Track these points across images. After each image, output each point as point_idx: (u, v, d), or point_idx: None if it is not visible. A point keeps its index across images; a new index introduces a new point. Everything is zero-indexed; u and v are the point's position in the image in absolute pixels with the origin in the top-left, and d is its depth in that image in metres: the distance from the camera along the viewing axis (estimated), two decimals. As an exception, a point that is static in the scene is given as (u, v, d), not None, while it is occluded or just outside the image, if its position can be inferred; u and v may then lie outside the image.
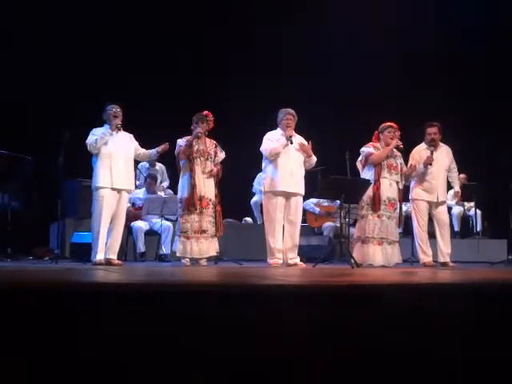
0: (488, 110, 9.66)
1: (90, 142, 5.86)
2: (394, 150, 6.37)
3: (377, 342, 2.35)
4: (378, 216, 6.17)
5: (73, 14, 8.97)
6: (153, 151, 6.16)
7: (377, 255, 6.13)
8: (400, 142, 6.32)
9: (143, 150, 6.15)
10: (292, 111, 6.17)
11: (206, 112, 6.11)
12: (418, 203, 6.42)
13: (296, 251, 6.14)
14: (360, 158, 6.39)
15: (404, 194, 6.52)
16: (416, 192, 6.44)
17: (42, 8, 8.82)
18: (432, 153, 6.35)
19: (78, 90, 8.61)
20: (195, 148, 6.07)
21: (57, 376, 2.10)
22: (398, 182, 6.33)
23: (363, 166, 6.36)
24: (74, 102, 8.51)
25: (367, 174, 6.31)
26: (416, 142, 6.65)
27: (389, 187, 6.24)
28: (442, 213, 6.46)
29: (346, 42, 9.41)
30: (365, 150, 6.34)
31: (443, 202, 6.49)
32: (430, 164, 6.32)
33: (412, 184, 6.51)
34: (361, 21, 9.51)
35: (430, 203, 6.41)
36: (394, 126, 6.39)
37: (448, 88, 9.49)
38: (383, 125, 6.39)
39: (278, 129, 6.20)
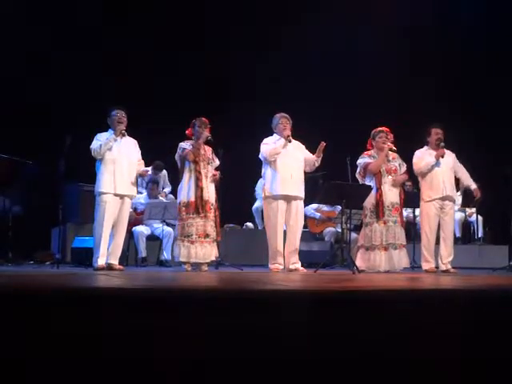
0: (489, 113, 9.65)
1: (94, 147, 5.85)
2: (390, 152, 6.36)
3: (378, 347, 2.36)
4: (384, 222, 6.15)
5: (72, 15, 8.99)
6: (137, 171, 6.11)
7: (382, 261, 6.10)
8: (391, 145, 6.29)
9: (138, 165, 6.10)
10: (286, 115, 6.19)
11: (204, 118, 6.11)
12: (428, 206, 6.37)
13: (297, 256, 6.13)
14: (358, 170, 6.34)
15: (404, 200, 6.49)
16: (425, 194, 6.40)
17: (41, 9, 8.83)
18: (443, 147, 6.34)
19: (79, 92, 8.62)
20: (199, 151, 6.07)
21: (57, 378, 2.11)
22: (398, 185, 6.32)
23: (363, 177, 6.34)
24: (74, 106, 8.52)
25: (369, 183, 6.29)
26: (416, 142, 6.63)
27: (389, 192, 6.22)
28: (449, 218, 6.41)
29: (346, 43, 9.41)
30: (361, 161, 6.32)
31: (452, 200, 6.45)
32: (442, 156, 6.30)
33: (421, 189, 6.49)
34: (361, 21, 9.51)
35: (439, 203, 6.36)
36: (386, 130, 6.36)
37: (448, 88, 9.48)
38: (374, 130, 6.38)
39: (275, 134, 6.22)
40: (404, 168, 6.39)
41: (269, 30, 9.63)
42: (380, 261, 6.10)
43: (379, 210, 6.12)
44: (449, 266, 6.28)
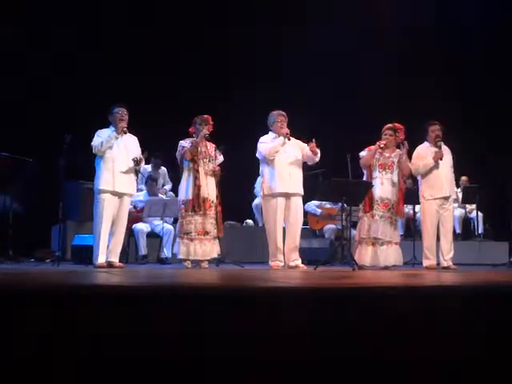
0: (489, 110, 9.66)
1: (95, 144, 5.85)
2: (396, 148, 6.34)
3: (377, 344, 2.36)
4: (372, 216, 6.14)
5: (72, 14, 8.99)
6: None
7: (368, 256, 6.08)
8: (382, 142, 6.26)
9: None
10: (283, 112, 6.20)
11: (206, 116, 6.12)
12: (428, 204, 6.37)
13: (297, 253, 6.14)
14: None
15: (405, 196, 6.49)
16: (425, 192, 6.40)
17: (41, 8, 8.83)
18: (440, 147, 6.34)
19: (79, 90, 8.62)
20: (198, 150, 6.07)
21: (57, 378, 2.11)
22: (393, 181, 6.26)
23: (363, 170, 6.38)
24: (74, 104, 8.52)
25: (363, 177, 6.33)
26: (416, 142, 6.64)
27: (381, 186, 6.19)
28: (449, 214, 6.42)
29: (346, 42, 9.42)
30: (360, 154, 6.35)
31: (452, 200, 6.47)
32: (441, 158, 6.29)
33: (420, 186, 6.49)
34: (361, 21, 9.53)
35: (439, 201, 6.36)
36: (396, 126, 6.35)
37: (448, 88, 9.49)
38: (384, 127, 6.38)
39: (270, 132, 6.23)
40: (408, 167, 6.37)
41: (269, 29, 9.66)
42: (365, 255, 6.08)
43: (366, 203, 6.12)
44: (450, 263, 6.29)
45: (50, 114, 8.47)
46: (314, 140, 6.08)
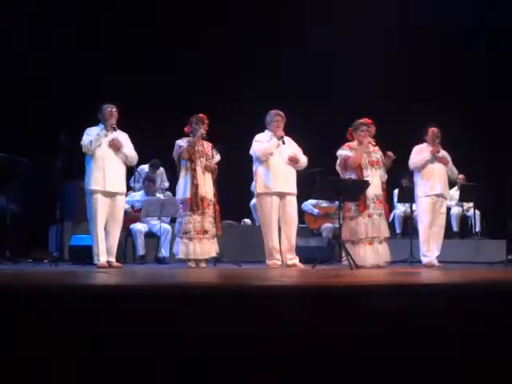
0: (488, 110, 9.67)
1: (84, 143, 5.77)
2: (371, 145, 6.23)
3: (374, 343, 2.35)
4: (369, 215, 6.07)
5: (72, 14, 9.00)
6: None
7: (368, 255, 6.01)
8: (371, 139, 6.18)
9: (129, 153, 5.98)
10: (281, 112, 6.17)
11: (201, 115, 6.10)
12: (423, 201, 6.42)
13: (294, 251, 6.12)
14: (338, 162, 6.21)
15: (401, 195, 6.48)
16: (421, 190, 6.45)
17: (42, 7, 8.83)
18: (438, 145, 6.37)
19: (79, 90, 8.62)
20: (195, 149, 6.07)
21: (57, 378, 2.10)
22: (381, 178, 6.20)
23: (343, 169, 6.21)
24: (74, 104, 8.52)
25: (349, 176, 6.18)
26: (415, 142, 6.65)
27: (373, 183, 6.09)
28: (442, 209, 6.47)
29: (344, 43, 9.42)
30: (342, 153, 6.19)
31: (444, 198, 6.51)
32: (438, 152, 6.34)
33: (415, 184, 6.53)
34: (360, 21, 9.52)
35: (434, 199, 6.39)
36: (368, 122, 6.25)
37: (448, 89, 9.50)
38: (356, 122, 6.24)
39: (267, 131, 6.20)
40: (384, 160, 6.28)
41: (269, 29, 9.66)
42: (365, 254, 6.00)
43: (361, 203, 6.02)
44: (435, 260, 6.33)
45: (49, 114, 8.47)
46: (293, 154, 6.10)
